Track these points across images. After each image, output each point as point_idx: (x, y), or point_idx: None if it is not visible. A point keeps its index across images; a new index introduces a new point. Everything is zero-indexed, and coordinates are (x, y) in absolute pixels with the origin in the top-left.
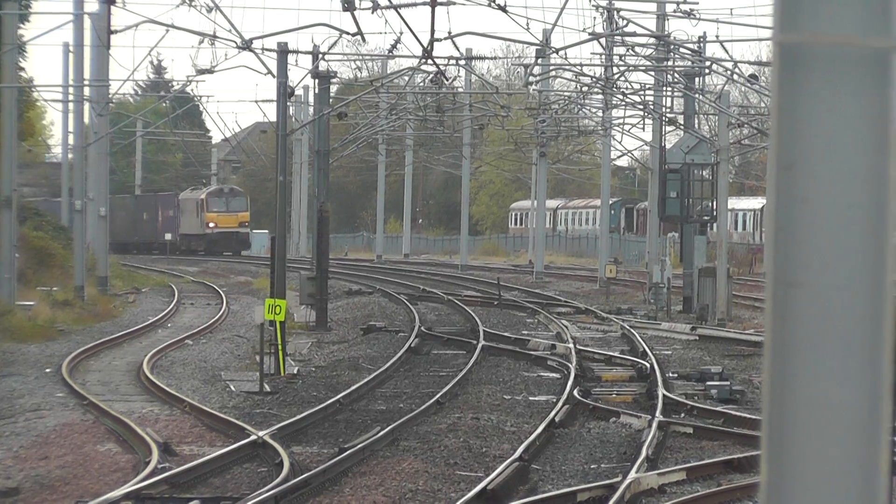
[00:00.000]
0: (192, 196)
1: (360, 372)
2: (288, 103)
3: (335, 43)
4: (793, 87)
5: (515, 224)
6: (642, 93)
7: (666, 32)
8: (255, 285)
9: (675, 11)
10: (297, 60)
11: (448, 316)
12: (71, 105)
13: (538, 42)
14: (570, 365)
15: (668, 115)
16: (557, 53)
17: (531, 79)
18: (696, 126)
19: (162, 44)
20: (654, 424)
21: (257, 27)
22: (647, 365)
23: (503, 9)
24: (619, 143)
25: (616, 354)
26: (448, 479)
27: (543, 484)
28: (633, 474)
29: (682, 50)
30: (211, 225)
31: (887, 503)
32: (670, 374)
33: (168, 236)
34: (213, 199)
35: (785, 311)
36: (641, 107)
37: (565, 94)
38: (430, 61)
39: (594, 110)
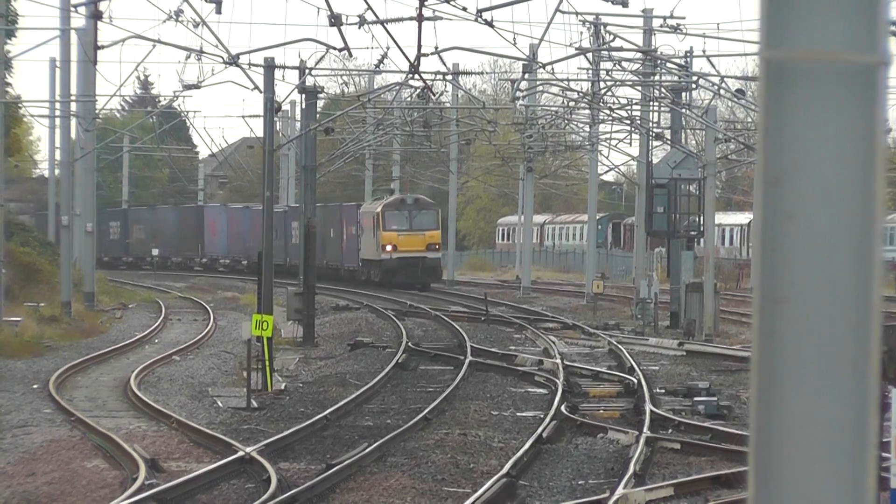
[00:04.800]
0: (370, 209)
1: (347, 388)
2: (275, 118)
3: (322, 58)
4: (779, 103)
5: (502, 239)
6: (629, 108)
7: (653, 47)
8: (242, 301)
9: (661, 26)
10: (283, 75)
11: (435, 331)
12: (57, 121)
13: (525, 57)
14: (557, 380)
15: (654, 130)
16: (544, 68)
17: (518, 94)
18: (683, 141)
19: (148, 59)
20: (642, 440)
21: (244, 42)
22: (635, 380)
23: (490, 24)
24: (606, 158)
25: (603, 370)
26: (436, 495)
27: (531, 500)
28: (620, 490)
29: (668, 65)
30: (388, 248)
31: None
32: (657, 390)
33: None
34: (390, 214)
35: (772, 327)
36: (628, 122)
37: (552, 109)
38: (416, 76)
39: (581, 125)
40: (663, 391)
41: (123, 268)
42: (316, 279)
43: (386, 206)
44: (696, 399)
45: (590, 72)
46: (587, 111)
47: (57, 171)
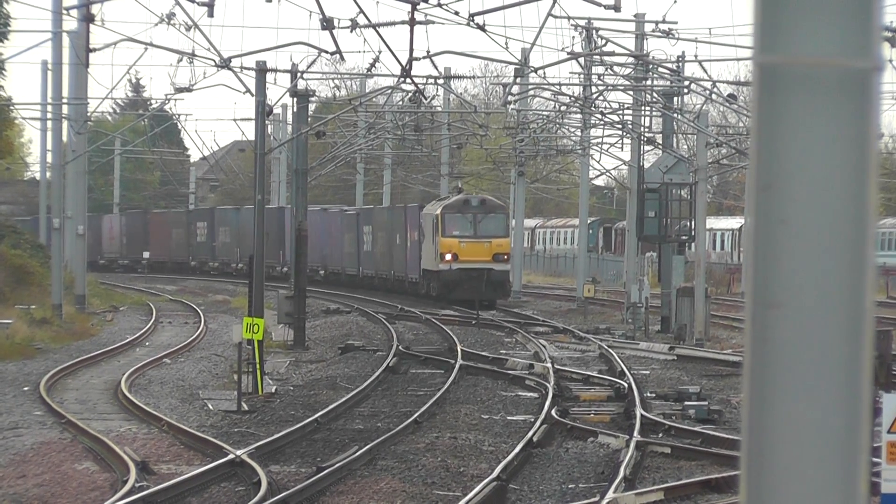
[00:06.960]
0: (430, 211)
1: (337, 391)
2: (266, 122)
3: (314, 61)
4: (772, 108)
5: None
6: (621, 112)
7: (645, 52)
8: (232, 304)
9: (653, 31)
10: (275, 79)
11: (426, 335)
12: (49, 123)
13: (517, 61)
14: (548, 384)
15: (646, 134)
16: (536, 72)
17: (510, 98)
18: (675, 145)
19: (140, 62)
20: (632, 444)
21: (236, 45)
22: (625, 385)
23: (482, 28)
24: (598, 162)
25: (594, 374)
26: (426, 498)
27: None
28: (610, 494)
29: (660, 69)
30: (447, 257)
31: None
32: (648, 394)
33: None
34: (451, 217)
35: (764, 332)
36: (620, 126)
37: (544, 113)
38: (408, 80)
39: (572, 129)
40: (654, 395)
41: (214, 273)
42: (385, 292)
43: (446, 209)
44: (686, 403)
45: (581, 76)
46: (579, 115)
47: (48, 174)
